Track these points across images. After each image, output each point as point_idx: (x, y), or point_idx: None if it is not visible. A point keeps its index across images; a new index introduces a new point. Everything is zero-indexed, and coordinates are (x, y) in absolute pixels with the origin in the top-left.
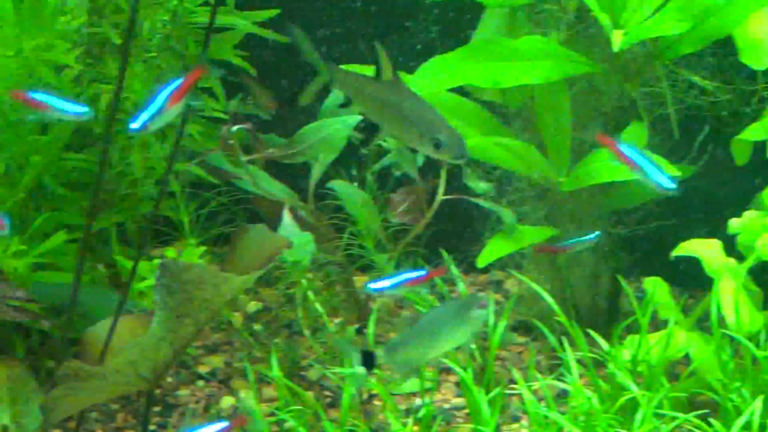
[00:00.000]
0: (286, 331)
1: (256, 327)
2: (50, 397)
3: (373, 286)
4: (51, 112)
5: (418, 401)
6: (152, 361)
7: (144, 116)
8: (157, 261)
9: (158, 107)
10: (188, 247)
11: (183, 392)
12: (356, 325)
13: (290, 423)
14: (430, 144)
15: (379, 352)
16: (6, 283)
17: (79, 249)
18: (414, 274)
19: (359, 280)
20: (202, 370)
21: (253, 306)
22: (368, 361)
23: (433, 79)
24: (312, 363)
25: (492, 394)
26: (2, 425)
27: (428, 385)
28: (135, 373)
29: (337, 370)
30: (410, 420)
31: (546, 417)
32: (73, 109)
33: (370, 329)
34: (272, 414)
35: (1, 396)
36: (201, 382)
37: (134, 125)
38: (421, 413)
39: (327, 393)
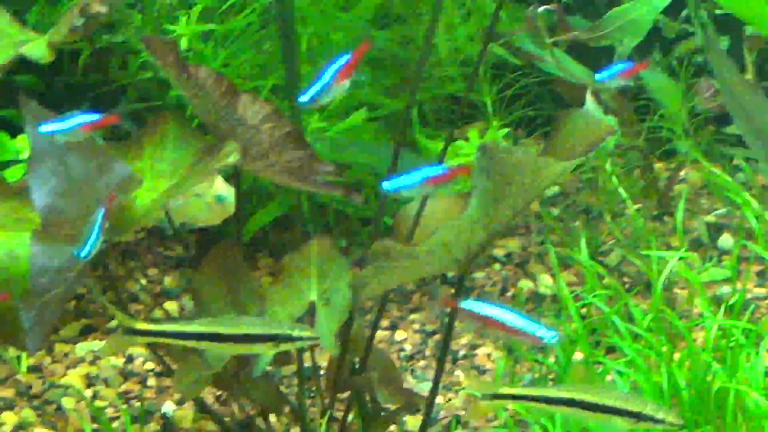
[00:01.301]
0: (585, 215)
1: (554, 211)
2: (360, 276)
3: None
4: None
5: (724, 289)
6: (466, 243)
7: (312, 91)
8: (460, 142)
9: (326, 83)
10: (491, 128)
11: (479, 275)
12: (654, 212)
13: (596, 306)
14: None
15: None
16: (314, 157)
17: (399, 125)
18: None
19: (660, 166)
20: (498, 253)
21: (550, 190)
22: None
23: None
24: (612, 248)
25: None
26: (310, 301)
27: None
28: (448, 254)
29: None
30: (719, 308)
31: None
32: None
33: (678, 216)
34: (577, 298)
35: (309, 272)
36: (497, 265)
37: (303, 98)
38: (732, 300)
39: (626, 279)
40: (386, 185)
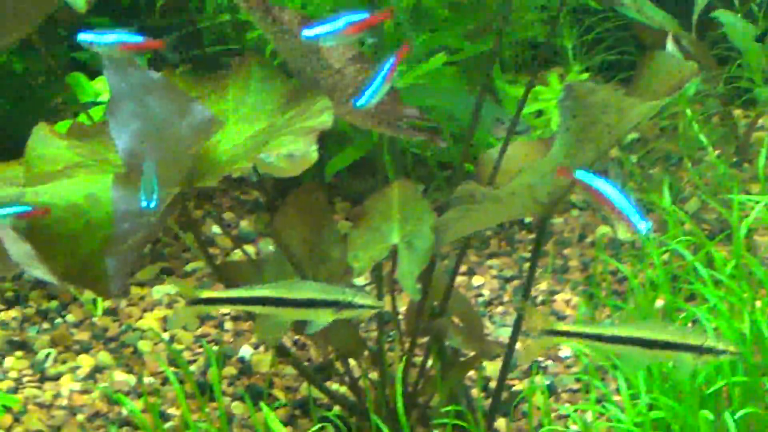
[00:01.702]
0: (664, 162)
1: (632, 157)
2: (443, 219)
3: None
4: None
5: None
6: (550, 186)
7: (367, 95)
8: (540, 87)
9: (378, 86)
10: (571, 72)
11: (557, 221)
12: (733, 159)
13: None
14: None
15: None
16: (398, 101)
17: (483, 69)
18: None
19: (739, 113)
20: (577, 198)
21: (629, 136)
22: None
23: None
24: (691, 194)
25: None
26: (392, 244)
27: None
28: (531, 197)
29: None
30: None
31: None
32: None
33: (760, 163)
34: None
35: (392, 215)
36: (575, 211)
37: (359, 102)
38: None
39: (705, 226)
40: (306, 32)
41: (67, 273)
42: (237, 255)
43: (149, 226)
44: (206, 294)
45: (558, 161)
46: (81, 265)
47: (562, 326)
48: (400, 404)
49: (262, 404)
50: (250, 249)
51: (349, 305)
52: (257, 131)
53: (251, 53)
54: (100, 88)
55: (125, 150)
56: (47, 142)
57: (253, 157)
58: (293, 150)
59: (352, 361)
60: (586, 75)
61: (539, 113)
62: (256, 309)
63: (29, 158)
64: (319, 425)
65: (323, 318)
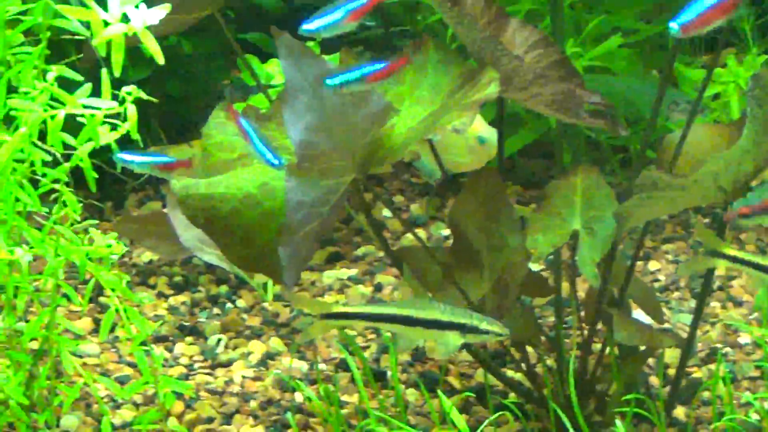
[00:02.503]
0: None
1: None
2: (625, 206)
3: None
4: None
5: None
6: (734, 174)
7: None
8: (718, 70)
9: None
10: (749, 55)
11: None
12: None
13: None
14: None
15: None
16: (581, 86)
17: (667, 53)
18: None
19: None
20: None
21: None
22: None
23: None
24: None
25: None
26: (573, 230)
27: None
28: (715, 185)
29: None
30: None
31: None
32: None
33: None
34: None
35: (575, 201)
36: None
37: (307, 26)
38: None
39: None
40: (306, 26)
41: (244, 263)
42: (407, 239)
43: (323, 216)
44: (338, 308)
45: (743, 150)
46: (257, 256)
47: (729, 250)
48: (573, 393)
49: (438, 391)
50: (421, 233)
51: (475, 330)
52: (430, 113)
53: (428, 36)
54: (272, 71)
55: (299, 141)
56: (224, 128)
57: (420, 137)
58: (458, 125)
59: (528, 348)
60: (763, 57)
61: (716, 95)
62: (385, 326)
63: (206, 146)
64: (498, 413)
65: (450, 340)
